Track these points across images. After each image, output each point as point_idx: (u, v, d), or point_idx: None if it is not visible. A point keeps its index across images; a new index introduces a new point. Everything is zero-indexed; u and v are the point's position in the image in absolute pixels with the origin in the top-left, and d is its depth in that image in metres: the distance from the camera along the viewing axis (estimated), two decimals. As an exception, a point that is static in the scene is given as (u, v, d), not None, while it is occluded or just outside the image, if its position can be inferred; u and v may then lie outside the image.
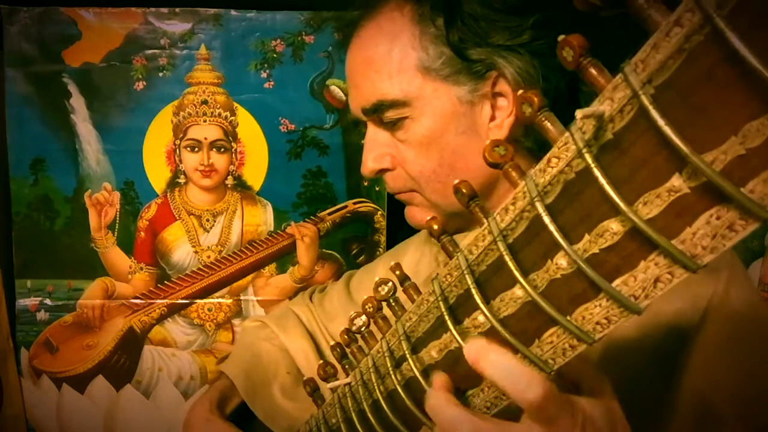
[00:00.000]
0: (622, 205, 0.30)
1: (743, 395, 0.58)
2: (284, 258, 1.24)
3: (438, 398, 0.42)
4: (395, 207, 1.21)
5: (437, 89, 0.70)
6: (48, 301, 1.20)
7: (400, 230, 1.23)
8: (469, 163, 0.72)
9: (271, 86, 1.19)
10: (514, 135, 0.71)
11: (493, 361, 0.38)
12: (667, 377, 0.58)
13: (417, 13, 0.70)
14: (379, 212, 1.24)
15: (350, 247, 1.26)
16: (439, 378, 0.44)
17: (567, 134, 0.33)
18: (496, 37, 0.67)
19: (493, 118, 0.71)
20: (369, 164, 0.77)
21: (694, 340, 0.59)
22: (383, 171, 0.78)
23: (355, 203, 1.24)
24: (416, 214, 0.79)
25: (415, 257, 0.91)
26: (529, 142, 0.72)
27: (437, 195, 0.75)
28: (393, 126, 0.73)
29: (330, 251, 1.25)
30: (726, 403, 0.58)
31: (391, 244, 1.22)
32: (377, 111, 0.73)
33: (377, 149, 0.76)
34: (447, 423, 0.41)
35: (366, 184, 1.24)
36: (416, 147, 0.73)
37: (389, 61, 0.71)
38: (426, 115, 0.71)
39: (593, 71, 0.31)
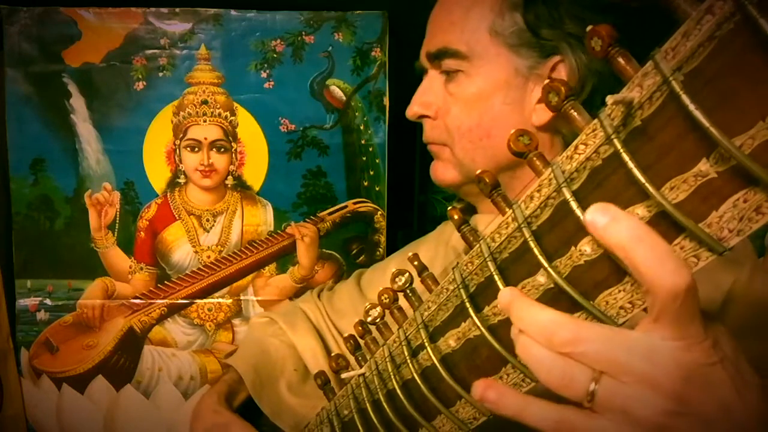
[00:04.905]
0: (651, 188, 0.31)
1: None
2: (284, 258, 1.24)
3: (521, 301, 0.38)
4: (395, 207, 1.22)
5: (500, 55, 0.73)
6: (48, 301, 1.19)
7: (400, 230, 1.24)
8: (504, 133, 0.73)
9: (271, 86, 1.19)
10: (554, 122, 0.73)
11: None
12: None
13: None
14: (379, 212, 1.25)
15: (350, 247, 1.26)
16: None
17: (596, 121, 0.34)
18: (570, 25, 0.69)
19: (541, 100, 0.73)
20: (414, 107, 0.81)
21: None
22: (423, 117, 0.81)
23: (355, 203, 1.25)
24: (438, 170, 0.83)
25: (429, 256, 0.91)
26: (568, 131, 0.74)
27: (464, 154, 0.78)
28: (448, 76, 0.77)
29: (330, 251, 1.25)
30: None
31: (391, 244, 1.22)
32: (439, 57, 0.77)
33: (427, 96, 0.80)
34: (538, 327, 0.36)
35: (366, 184, 1.24)
36: (462, 102, 0.76)
37: (467, 17, 0.74)
38: (481, 75, 0.74)
39: (621, 60, 0.32)
